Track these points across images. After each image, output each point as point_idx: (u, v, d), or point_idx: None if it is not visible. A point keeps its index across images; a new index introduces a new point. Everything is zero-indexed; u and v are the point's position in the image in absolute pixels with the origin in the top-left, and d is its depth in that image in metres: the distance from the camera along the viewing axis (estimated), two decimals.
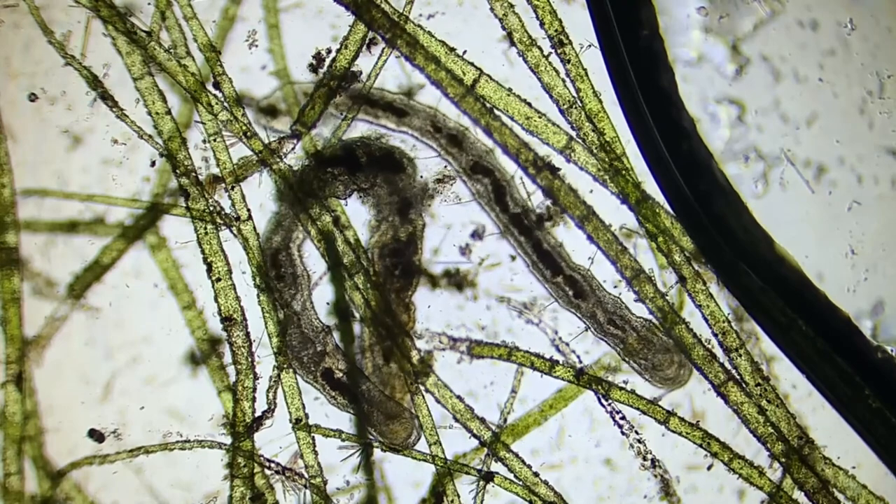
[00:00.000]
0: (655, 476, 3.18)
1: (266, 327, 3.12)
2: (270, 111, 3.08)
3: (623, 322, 3.11)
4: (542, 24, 3.07)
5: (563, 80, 3.09)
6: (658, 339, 3.12)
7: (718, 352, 3.13)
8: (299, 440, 3.14)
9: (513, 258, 3.14)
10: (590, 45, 3.07)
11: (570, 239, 3.14)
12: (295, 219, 3.11)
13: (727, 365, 3.13)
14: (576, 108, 3.09)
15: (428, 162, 3.12)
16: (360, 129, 3.13)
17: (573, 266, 3.11)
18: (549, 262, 3.10)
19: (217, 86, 3.08)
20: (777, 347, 3.12)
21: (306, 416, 3.15)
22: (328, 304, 3.15)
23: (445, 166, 3.10)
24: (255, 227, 3.11)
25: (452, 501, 3.16)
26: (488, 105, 3.10)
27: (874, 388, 3.03)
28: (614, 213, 3.12)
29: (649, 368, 3.13)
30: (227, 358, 3.13)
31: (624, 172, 3.09)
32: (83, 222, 3.11)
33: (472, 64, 3.08)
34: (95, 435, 3.12)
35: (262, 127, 3.09)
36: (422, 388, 3.15)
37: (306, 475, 3.14)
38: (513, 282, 3.16)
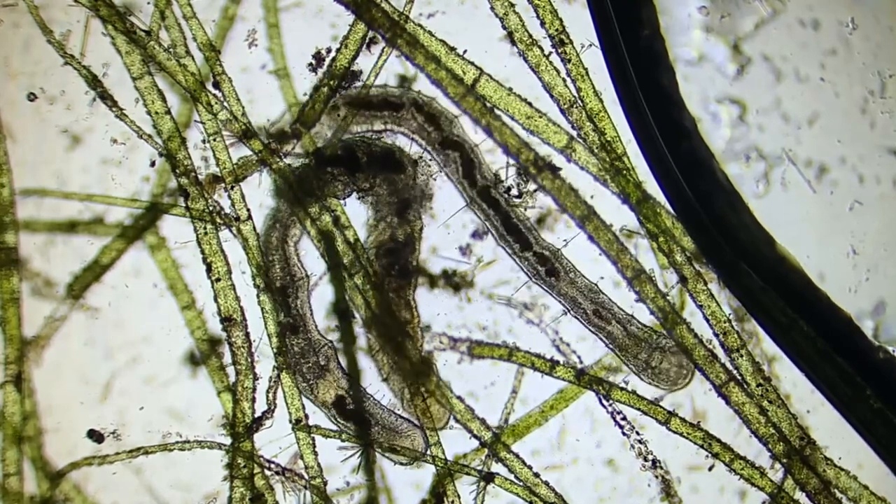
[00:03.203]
0: (657, 477, 3.18)
1: (266, 328, 3.11)
2: (279, 136, 3.07)
3: (607, 312, 3.11)
4: (542, 24, 3.07)
5: (564, 80, 3.08)
6: (644, 335, 3.11)
7: (720, 352, 3.13)
8: (299, 441, 3.13)
9: (483, 234, 3.12)
10: (590, 45, 3.06)
11: (574, 253, 3.14)
12: (293, 217, 3.11)
13: (728, 365, 3.13)
14: (576, 107, 3.08)
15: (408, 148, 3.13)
16: (358, 129, 3.12)
17: (543, 243, 3.10)
18: (517, 237, 3.09)
19: (217, 85, 3.07)
20: (778, 348, 3.11)
21: (306, 416, 3.14)
22: (328, 304, 3.15)
23: (417, 152, 3.09)
24: (254, 227, 3.10)
25: (453, 502, 3.16)
26: (489, 105, 3.09)
27: (875, 389, 3.03)
28: (615, 213, 3.12)
29: (644, 368, 3.12)
30: (227, 358, 3.13)
31: (625, 172, 3.08)
32: (82, 222, 3.10)
33: (472, 63, 3.08)
34: (95, 435, 3.12)
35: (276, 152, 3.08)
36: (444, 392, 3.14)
37: (306, 476, 3.14)
38: (514, 277, 3.15)
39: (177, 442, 3.11)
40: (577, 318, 3.13)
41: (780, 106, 3.07)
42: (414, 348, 3.13)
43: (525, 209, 3.08)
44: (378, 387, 3.16)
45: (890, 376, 3.04)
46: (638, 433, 3.17)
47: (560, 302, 3.13)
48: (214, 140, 3.09)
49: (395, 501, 3.18)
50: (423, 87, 3.09)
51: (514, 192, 3.06)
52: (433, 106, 3.07)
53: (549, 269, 3.08)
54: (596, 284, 3.12)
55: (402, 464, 3.14)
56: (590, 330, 3.13)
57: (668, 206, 3.08)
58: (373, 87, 3.08)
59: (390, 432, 3.12)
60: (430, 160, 3.10)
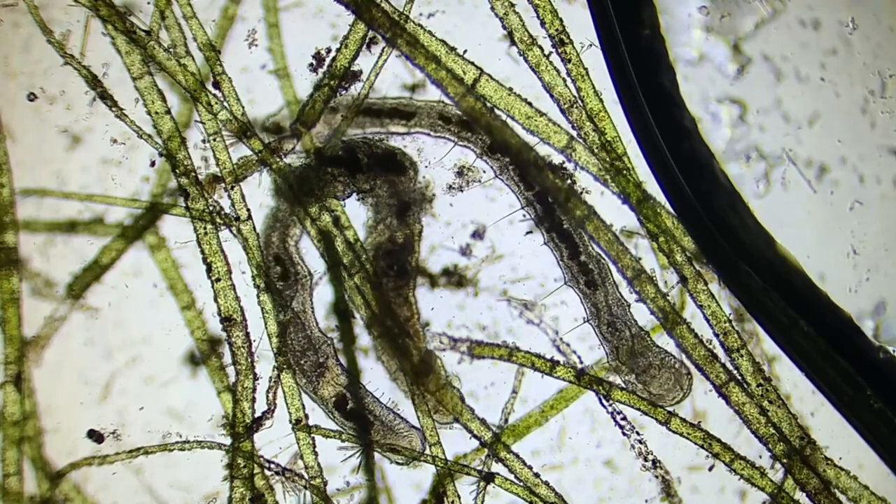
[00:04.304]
0: (657, 477, 3.17)
1: (266, 327, 3.11)
2: (276, 129, 3.07)
3: (623, 325, 3.11)
4: (542, 24, 3.07)
5: (564, 80, 3.08)
6: (652, 352, 3.11)
7: (720, 352, 3.13)
8: (299, 441, 3.13)
9: (529, 232, 3.12)
10: (591, 45, 3.06)
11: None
12: (292, 216, 3.11)
13: (729, 365, 3.12)
14: (577, 107, 3.08)
15: (442, 154, 3.12)
16: (363, 130, 3.12)
17: (591, 253, 3.10)
18: (568, 243, 3.09)
19: (217, 85, 3.07)
20: (778, 348, 3.11)
21: (306, 416, 3.14)
22: (328, 304, 3.15)
23: (464, 162, 3.09)
24: (254, 227, 3.10)
25: (453, 502, 3.15)
26: (489, 104, 3.09)
27: (876, 389, 3.03)
28: (615, 213, 3.11)
29: (642, 381, 3.12)
30: (227, 358, 3.13)
31: (625, 172, 3.08)
32: (82, 222, 3.10)
33: (472, 63, 3.08)
34: (94, 435, 3.11)
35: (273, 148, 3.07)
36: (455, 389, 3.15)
37: (306, 476, 3.14)
38: (514, 272, 3.15)
39: (177, 442, 3.11)
40: (592, 327, 3.13)
41: (780, 106, 3.06)
42: (415, 346, 3.13)
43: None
44: (378, 385, 3.16)
45: (890, 376, 3.03)
46: (638, 433, 3.17)
47: (585, 309, 3.13)
48: (214, 140, 3.09)
49: (395, 501, 3.18)
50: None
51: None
52: (473, 115, 3.08)
53: (588, 280, 3.09)
54: (625, 300, 3.11)
55: (398, 463, 3.14)
56: (599, 338, 3.13)
57: (668, 206, 3.08)
58: (381, 94, 3.09)
59: (388, 431, 3.12)
60: (473, 168, 3.11)
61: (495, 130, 3.05)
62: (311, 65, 3.08)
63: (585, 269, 3.08)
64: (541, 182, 3.06)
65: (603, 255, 3.11)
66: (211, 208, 3.09)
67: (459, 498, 3.16)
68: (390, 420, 3.12)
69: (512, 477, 3.17)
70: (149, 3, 3.04)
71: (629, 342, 3.10)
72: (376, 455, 3.14)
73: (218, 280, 3.10)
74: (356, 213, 3.14)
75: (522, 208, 3.10)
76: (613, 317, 3.10)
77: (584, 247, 3.09)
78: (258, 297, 3.11)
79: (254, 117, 3.09)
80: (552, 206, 3.06)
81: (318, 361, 3.11)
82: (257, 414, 3.13)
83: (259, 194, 3.10)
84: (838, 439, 3.11)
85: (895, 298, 3.07)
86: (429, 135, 3.09)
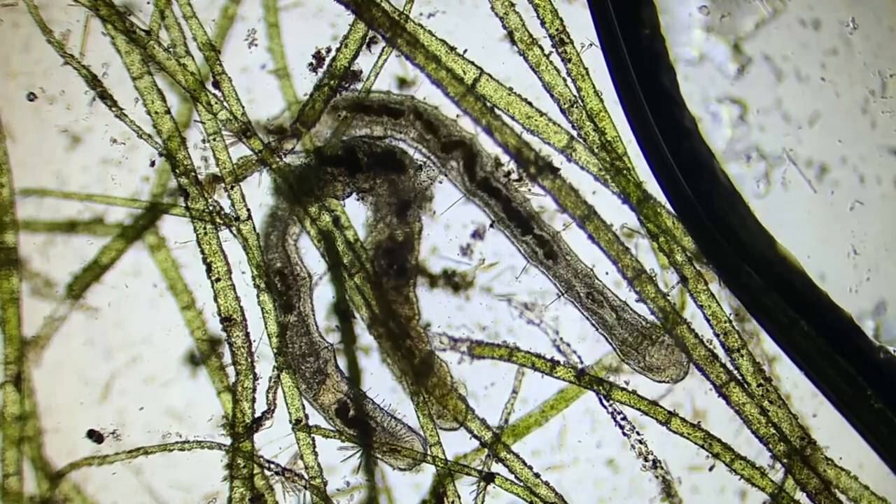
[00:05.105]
0: (657, 477, 3.17)
1: (266, 327, 3.11)
2: (277, 130, 3.07)
3: (601, 296, 3.10)
4: (542, 23, 3.07)
5: (564, 80, 3.08)
6: (635, 321, 3.11)
7: (720, 352, 3.12)
8: (299, 441, 3.13)
9: (491, 224, 3.12)
10: (591, 45, 3.06)
11: (572, 239, 3.14)
12: (293, 215, 3.11)
13: (729, 365, 3.12)
14: (577, 107, 3.08)
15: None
16: (358, 133, 3.12)
17: (544, 227, 3.10)
18: (518, 221, 3.09)
19: (216, 85, 3.07)
20: (779, 348, 3.11)
21: (306, 416, 3.14)
22: (330, 302, 3.15)
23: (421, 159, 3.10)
24: (254, 227, 3.10)
25: (453, 502, 3.15)
26: (489, 104, 3.09)
27: (876, 389, 3.03)
28: (616, 213, 3.11)
29: (633, 353, 3.12)
30: (227, 358, 3.13)
31: (625, 172, 3.08)
32: (82, 222, 3.10)
33: (472, 63, 3.07)
34: (94, 435, 3.11)
35: (274, 150, 3.07)
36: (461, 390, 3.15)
37: (306, 476, 3.14)
38: (515, 277, 3.15)
39: (177, 442, 3.11)
40: (571, 301, 3.13)
41: (780, 106, 3.06)
42: (416, 347, 3.13)
43: (527, 191, 3.08)
44: (378, 390, 3.16)
45: (891, 376, 3.03)
46: (638, 433, 3.17)
47: (555, 285, 3.13)
48: (214, 140, 3.08)
49: (395, 502, 3.18)
50: (426, 94, 3.10)
51: (515, 175, 3.06)
52: (434, 114, 3.07)
53: (547, 251, 3.08)
54: (592, 269, 3.11)
55: (400, 469, 3.14)
56: (582, 313, 3.13)
57: (668, 205, 3.08)
58: (372, 89, 3.08)
59: (390, 437, 3.12)
60: (432, 164, 3.11)
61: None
62: (311, 65, 3.08)
63: (541, 240, 3.08)
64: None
65: (554, 228, 3.11)
66: (211, 208, 3.09)
67: (459, 498, 3.16)
68: (391, 425, 3.12)
69: (512, 477, 3.17)
70: (149, 2, 3.04)
71: (612, 312, 3.10)
72: (377, 458, 3.14)
73: (218, 280, 3.10)
74: (356, 213, 3.14)
75: (464, 195, 3.09)
76: (587, 286, 3.10)
77: (535, 222, 3.08)
78: (258, 297, 3.11)
79: (255, 118, 3.09)
80: (497, 191, 3.05)
81: (318, 368, 3.11)
82: (257, 414, 3.13)
83: (259, 194, 3.10)
84: (838, 439, 3.11)
85: (895, 298, 3.07)
86: (391, 137, 3.09)
